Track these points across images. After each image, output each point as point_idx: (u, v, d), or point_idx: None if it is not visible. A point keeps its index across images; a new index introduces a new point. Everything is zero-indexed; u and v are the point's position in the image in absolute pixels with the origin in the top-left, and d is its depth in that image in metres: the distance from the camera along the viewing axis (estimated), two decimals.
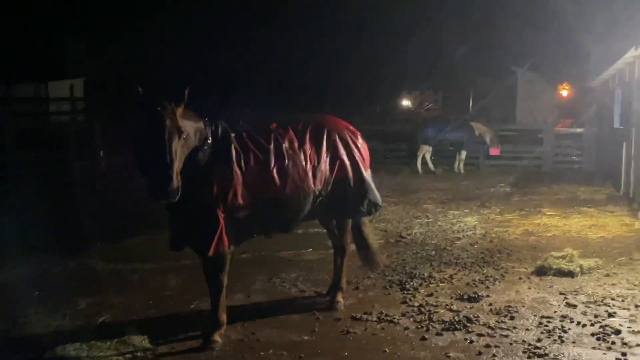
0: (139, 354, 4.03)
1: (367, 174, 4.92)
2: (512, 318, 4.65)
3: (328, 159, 4.65)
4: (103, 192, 10.41)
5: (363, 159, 4.91)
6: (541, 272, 5.88)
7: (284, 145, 4.45)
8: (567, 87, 30.30)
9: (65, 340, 4.25)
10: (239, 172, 4.16)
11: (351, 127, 5.05)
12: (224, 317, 4.31)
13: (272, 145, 4.40)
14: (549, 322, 4.55)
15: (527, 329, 4.42)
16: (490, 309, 4.86)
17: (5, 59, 22.66)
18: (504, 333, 4.35)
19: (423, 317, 4.68)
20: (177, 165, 3.71)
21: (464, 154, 15.51)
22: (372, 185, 4.97)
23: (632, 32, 9.47)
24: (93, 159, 11.39)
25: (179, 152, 3.74)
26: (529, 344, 4.13)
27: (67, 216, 8.74)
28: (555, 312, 4.78)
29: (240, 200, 4.14)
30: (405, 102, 42.01)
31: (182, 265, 6.15)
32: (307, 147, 4.57)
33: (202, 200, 4.05)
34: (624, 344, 4.12)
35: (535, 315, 4.70)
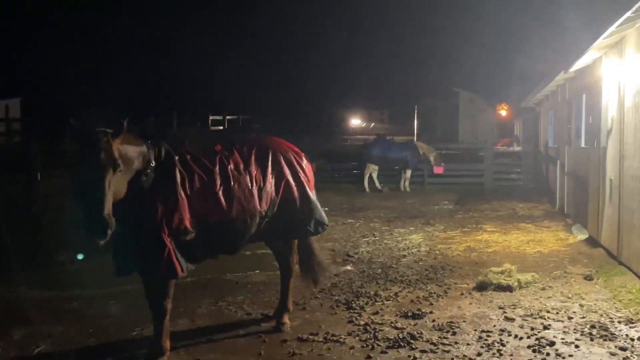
0: None
1: (312, 194, 4.98)
2: (454, 333, 4.77)
3: (273, 180, 4.68)
4: (40, 216, 10.00)
5: (308, 180, 4.97)
6: (482, 287, 6.07)
7: (229, 167, 4.45)
8: (506, 107, 31.63)
9: None
10: (183, 195, 4.11)
11: (295, 148, 5.11)
12: (167, 344, 4.22)
13: (217, 167, 4.38)
14: (488, 336, 4.69)
15: (467, 344, 4.55)
16: (433, 325, 4.97)
17: None
18: (445, 349, 4.46)
19: (368, 336, 4.73)
20: (110, 200, 3.57)
21: (409, 172, 15.90)
22: (318, 204, 5.03)
23: (562, 55, 10.04)
24: (29, 181, 10.95)
25: (112, 187, 3.60)
26: (470, 359, 4.25)
27: None
28: (494, 326, 4.94)
29: (187, 224, 4.09)
30: (355, 121, 42.68)
31: (122, 290, 5.96)
32: (253, 168, 4.58)
33: (147, 224, 3.97)
34: (558, 355, 4.29)
35: (475, 330, 4.84)
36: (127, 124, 3.73)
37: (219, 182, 4.33)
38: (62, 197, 11.10)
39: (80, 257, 5.78)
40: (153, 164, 4.03)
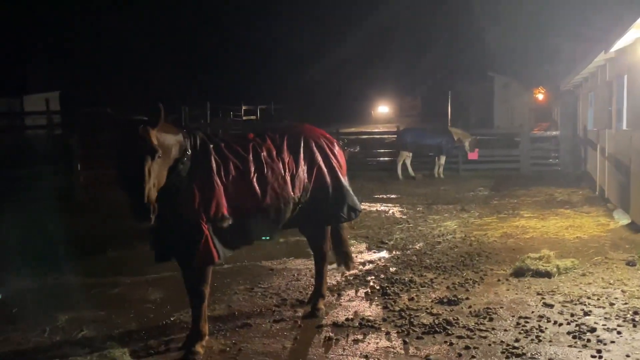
0: None
1: (344, 180, 4.98)
2: (490, 319, 4.72)
3: (306, 167, 4.70)
4: (81, 206, 10.29)
5: (340, 166, 4.97)
6: (519, 273, 5.98)
7: (262, 154, 4.48)
8: (543, 91, 30.83)
9: (45, 355, 4.21)
10: (219, 182, 4.17)
11: (327, 135, 5.11)
12: (205, 328, 4.30)
13: (250, 155, 4.42)
14: (526, 322, 4.63)
15: (505, 330, 4.50)
16: (470, 311, 4.93)
17: None
18: (482, 334, 4.42)
19: (404, 322, 4.73)
20: (151, 187, 3.63)
21: (443, 159, 15.69)
22: (350, 190, 5.03)
23: (602, 35, 9.71)
24: (70, 172, 11.28)
25: (153, 174, 3.66)
26: (507, 344, 4.20)
27: (45, 231, 8.64)
28: (532, 312, 4.86)
29: (223, 211, 4.15)
30: (387, 108, 42.23)
31: (162, 277, 6.13)
32: (285, 155, 4.60)
33: (184, 212, 4.04)
34: (599, 341, 4.20)
35: (513, 316, 4.78)
36: (163, 112, 3.78)
37: (253, 170, 4.37)
38: (101, 187, 11.43)
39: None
40: (189, 152, 4.09)
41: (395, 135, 17.03)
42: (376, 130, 26.31)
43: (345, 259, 5.41)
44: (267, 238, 4.80)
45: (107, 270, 6.54)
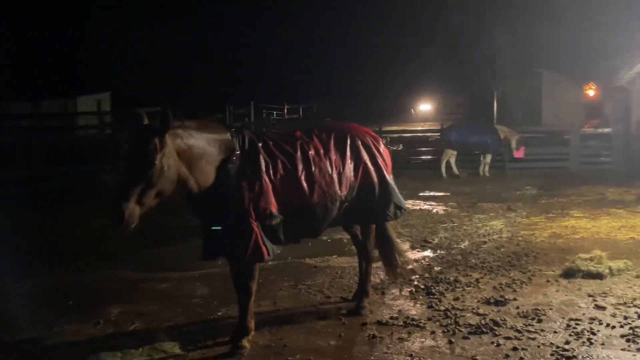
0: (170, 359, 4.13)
1: (390, 178, 4.97)
2: (539, 321, 4.62)
3: (352, 165, 4.70)
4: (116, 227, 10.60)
5: (386, 164, 4.96)
6: (569, 274, 5.82)
7: (309, 152, 4.50)
8: (593, 87, 29.78)
9: (98, 347, 4.38)
10: (268, 180, 4.21)
11: (373, 133, 5.11)
12: (252, 324, 4.37)
13: (298, 153, 4.45)
14: (577, 324, 4.51)
15: (555, 332, 4.39)
16: (518, 312, 4.83)
17: (34, 76, 23.33)
18: (531, 336, 4.33)
19: (449, 321, 4.68)
20: (133, 193, 3.57)
21: (489, 157, 15.38)
22: (396, 189, 5.02)
23: None
24: (119, 170, 11.62)
25: (148, 180, 3.59)
26: (557, 347, 4.10)
27: (95, 227, 8.95)
28: (583, 314, 4.73)
29: (272, 208, 4.20)
30: (430, 106, 41.63)
31: (208, 273, 6.26)
32: (332, 153, 4.61)
33: (235, 210, 4.10)
34: None
35: (563, 318, 4.66)
36: (171, 118, 3.70)
37: (300, 168, 4.40)
38: None
39: None
40: (238, 151, 4.16)
41: (439, 133, 16.82)
42: (419, 128, 26.04)
43: (392, 263, 5.30)
44: (314, 236, 4.80)
45: (156, 266, 6.73)
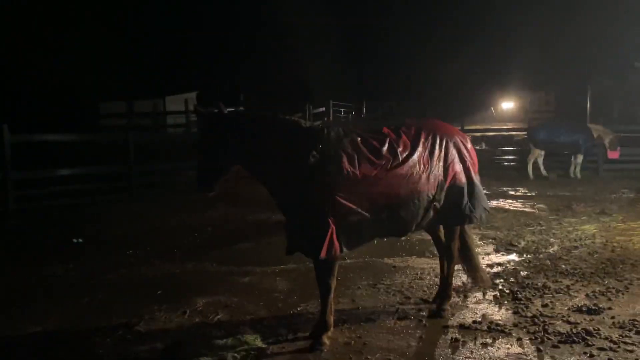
0: (252, 352, 4.22)
1: (477, 178, 4.82)
2: (638, 332, 4.31)
3: (441, 163, 4.59)
4: (216, 199, 10.98)
5: (473, 163, 4.81)
6: None
7: (398, 149, 4.45)
8: None
9: (185, 335, 4.57)
10: (351, 176, 4.20)
11: (460, 132, 4.97)
12: (331, 320, 4.39)
13: (386, 150, 4.41)
14: None
15: None
16: (613, 322, 4.53)
17: (127, 77, 24.77)
18: (628, 348, 4.04)
19: (537, 329, 4.46)
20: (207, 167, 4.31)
21: (580, 157, 14.51)
22: (482, 190, 4.86)
23: None
24: None
25: (214, 155, 4.24)
26: None
27: (184, 222, 9.36)
28: None
29: (353, 205, 4.18)
30: (515, 103, 39.88)
31: (289, 269, 6.36)
32: (421, 151, 4.52)
33: (312, 204, 4.16)
34: None
35: None
36: (222, 106, 4.33)
37: (388, 164, 4.34)
38: (235, 180, 12.12)
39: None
40: (320, 145, 4.19)
41: (526, 132, 16.10)
42: (504, 127, 25.09)
43: (471, 268, 5.19)
44: (401, 234, 4.73)
45: (238, 260, 6.92)
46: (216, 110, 4.30)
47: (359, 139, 4.40)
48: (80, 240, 8.10)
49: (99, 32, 26.59)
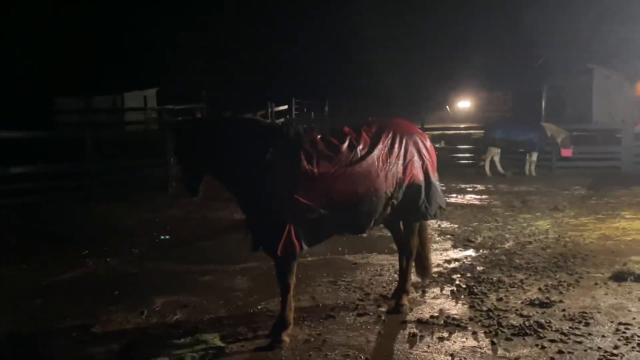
0: (211, 351, 4.19)
1: (435, 176, 4.91)
2: (587, 324, 4.47)
3: (400, 161, 4.66)
4: (175, 197, 10.84)
5: (432, 162, 4.90)
6: (619, 277, 5.61)
7: (357, 147, 4.49)
8: None
9: (143, 335, 4.50)
10: (309, 173, 4.22)
11: (420, 130, 5.05)
12: (291, 318, 4.41)
13: (345, 148, 4.44)
14: (627, 328, 4.34)
15: (603, 336, 4.24)
16: (564, 315, 4.69)
17: (85, 73, 24.13)
18: (577, 339, 4.20)
19: (492, 322, 4.59)
20: (186, 169, 4.40)
21: (534, 155, 14.96)
22: (439, 188, 4.96)
23: None
24: (165, 165, 11.90)
25: (188, 161, 4.35)
26: (605, 351, 3.97)
27: (141, 220, 9.20)
28: (634, 318, 4.55)
29: (311, 202, 4.21)
30: (464, 104, 40.54)
31: (249, 267, 6.34)
32: (380, 149, 4.58)
33: (269, 202, 4.16)
34: None
35: (612, 322, 4.50)
36: (199, 114, 4.32)
37: (347, 162, 4.39)
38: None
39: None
40: (279, 143, 4.21)
41: (483, 131, 16.48)
42: (462, 125, 25.62)
43: (423, 263, 5.31)
44: (359, 231, 4.79)
45: (199, 259, 6.86)
46: (186, 118, 4.41)
47: (319, 137, 4.43)
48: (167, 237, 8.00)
49: (54, 25, 25.80)
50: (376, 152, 4.54)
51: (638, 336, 4.19)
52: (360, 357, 4.05)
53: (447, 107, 38.77)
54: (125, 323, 4.82)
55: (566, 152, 14.93)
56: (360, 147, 4.50)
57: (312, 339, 4.38)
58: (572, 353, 3.98)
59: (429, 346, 4.21)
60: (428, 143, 4.96)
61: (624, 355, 3.90)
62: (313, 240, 4.38)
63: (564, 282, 5.61)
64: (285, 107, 25.12)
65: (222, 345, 4.29)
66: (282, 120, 20.90)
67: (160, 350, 4.20)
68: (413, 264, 5.21)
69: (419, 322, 4.66)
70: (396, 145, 4.66)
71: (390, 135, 4.69)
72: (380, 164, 4.53)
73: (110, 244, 7.60)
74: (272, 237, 4.18)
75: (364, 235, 7.58)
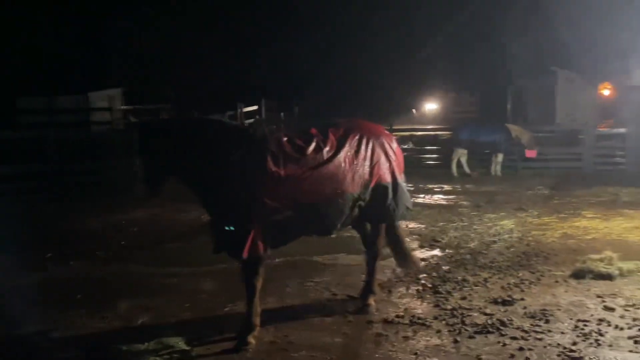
0: (175, 355, 4.15)
1: (401, 178, 4.96)
2: (547, 321, 4.59)
3: (367, 163, 4.69)
4: (141, 199, 10.66)
5: (399, 163, 4.95)
6: (579, 275, 5.76)
7: (324, 149, 4.50)
8: (609, 87, 29.43)
9: (106, 340, 4.42)
10: (275, 175, 4.22)
11: (387, 132, 5.10)
12: (257, 320, 4.39)
13: (312, 149, 4.45)
14: (585, 325, 4.47)
15: (562, 332, 4.35)
16: (525, 312, 4.80)
17: (49, 72, 23.56)
18: (538, 336, 4.30)
19: (456, 320, 4.66)
20: (145, 172, 4.36)
21: (500, 156, 15.25)
22: (405, 189, 5.01)
23: None
24: (131, 167, 11.69)
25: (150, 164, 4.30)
26: (564, 347, 4.07)
27: (106, 222, 9.04)
28: (592, 315, 4.69)
29: (277, 204, 4.20)
30: (431, 106, 41.00)
31: (216, 269, 6.28)
32: (347, 151, 4.60)
33: (235, 204, 4.14)
34: None
35: (571, 319, 4.62)
36: (162, 116, 4.23)
37: (313, 164, 4.40)
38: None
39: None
40: (246, 144, 4.19)
41: (450, 132, 16.74)
42: (430, 127, 25.94)
43: (403, 257, 5.36)
44: (326, 233, 4.80)
45: (165, 261, 6.77)
46: (148, 120, 4.36)
47: (285, 138, 4.43)
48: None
49: (15, 23, 25.11)
50: (343, 153, 4.56)
51: (595, 332, 4.32)
52: (326, 358, 4.06)
53: (414, 110, 39.11)
54: (88, 328, 4.73)
55: (530, 153, 15.28)
56: (327, 148, 4.52)
57: (279, 341, 4.38)
58: (532, 350, 4.07)
59: (393, 345, 4.25)
60: (394, 145, 5.01)
61: (581, 351, 4.01)
62: (279, 242, 4.38)
63: (526, 280, 5.73)
64: (255, 107, 25.01)
65: (187, 348, 4.25)
66: (251, 120, 20.77)
67: (124, 355, 4.13)
68: (384, 265, 5.27)
69: (385, 321, 4.70)
70: (363, 147, 4.69)
71: (357, 137, 4.72)
72: (347, 165, 4.56)
73: (74, 247, 7.45)
74: (237, 239, 4.16)
75: (333, 236, 7.64)
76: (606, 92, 29.98)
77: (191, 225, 8.75)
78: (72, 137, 14.68)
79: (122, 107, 21.17)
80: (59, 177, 11.50)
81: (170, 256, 7.04)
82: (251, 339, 4.28)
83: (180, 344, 4.30)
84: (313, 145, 4.47)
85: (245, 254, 4.13)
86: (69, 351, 4.27)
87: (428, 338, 4.36)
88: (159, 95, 20.73)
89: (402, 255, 5.36)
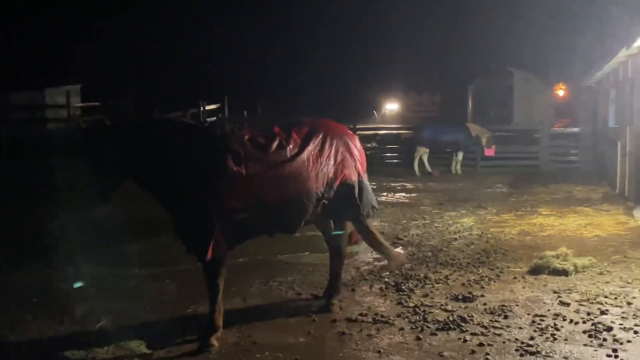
0: (136, 359, 4.06)
1: (365, 176, 4.99)
2: (505, 317, 4.70)
3: (331, 162, 4.69)
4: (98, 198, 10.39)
5: (362, 163, 4.98)
6: (536, 271, 5.93)
7: (287, 148, 4.48)
8: (564, 87, 30.38)
9: (63, 345, 4.29)
10: (237, 174, 4.18)
11: (349, 131, 5.12)
12: (220, 321, 4.35)
13: (275, 148, 4.43)
14: (542, 320, 4.59)
15: (520, 328, 4.47)
16: (485, 309, 4.90)
17: (2, 67, 22.73)
18: (497, 332, 4.40)
19: (418, 318, 4.72)
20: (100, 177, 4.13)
21: (460, 155, 15.57)
22: (369, 188, 5.04)
23: (625, 30, 9.53)
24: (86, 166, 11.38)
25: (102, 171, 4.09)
26: (522, 342, 4.18)
27: (62, 222, 8.77)
28: (548, 310, 4.82)
29: (238, 203, 4.17)
30: (404, 104, 41.59)
31: (179, 270, 6.19)
32: (310, 150, 4.59)
33: (195, 205, 4.08)
34: (615, 340, 4.16)
35: (528, 314, 4.74)
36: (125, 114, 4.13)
37: (276, 163, 4.38)
38: None
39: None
40: (206, 144, 4.13)
41: (412, 132, 16.96)
42: (393, 125, 26.20)
43: (387, 252, 5.37)
44: (289, 231, 4.78)
45: (124, 262, 6.62)
46: (96, 125, 4.22)
47: (247, 137, 4.39)
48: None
49: None
50: (306, 152, 4.56)
51: (551, 327, 4.44)
52: (290, 358, 4.05)
53: (375, 112, 39.41)
54: (43, 332, 4.58)
55: (489, 152, 15.67)
56: (290, 147, 4.51)
57: (242, 342, 4.34)
58: (491, 345, 4.16)
59: (357, 344, 4.28)
60: (358, 144, 5.04)
61: (538, 346, 4.11)
62: (239, 240, 4.35)
63: (486, 277, 5.86)
64: (218, 105, 24.72)
65: (148, 352, 4.16)
66: (213, 119, 20.53)
67: (81, 359, 4.02)
68: (347, 262, 5.29)
69: (349, 320, 4.72)
70: (327, 146, 4.70)
71: (320, 136, 4.72)
72: (311, 164, 4.56)
73: (27, 248, 7.21)
74: (200, 240, 4.11)
75: (297, 235, 7.63)
76: (561, 93, 30.93)
77: (150, 225, 8.58)
78: (25, 135, 14.21)
79: (79, 104, 20.60)
80: (11, 176, 11.09)
81: (129, 257, 6.87)
82: (214, 341, 4.23)
83: (141, 347, 4.21)
84: (276, 143, 4.45)
85: (209, 255, 4.07)
86: (26, 356, 4.13)
87: (391, 336, 4.40)
88: (120, 92, 20.25)
89: (386, 251, 5.34)
